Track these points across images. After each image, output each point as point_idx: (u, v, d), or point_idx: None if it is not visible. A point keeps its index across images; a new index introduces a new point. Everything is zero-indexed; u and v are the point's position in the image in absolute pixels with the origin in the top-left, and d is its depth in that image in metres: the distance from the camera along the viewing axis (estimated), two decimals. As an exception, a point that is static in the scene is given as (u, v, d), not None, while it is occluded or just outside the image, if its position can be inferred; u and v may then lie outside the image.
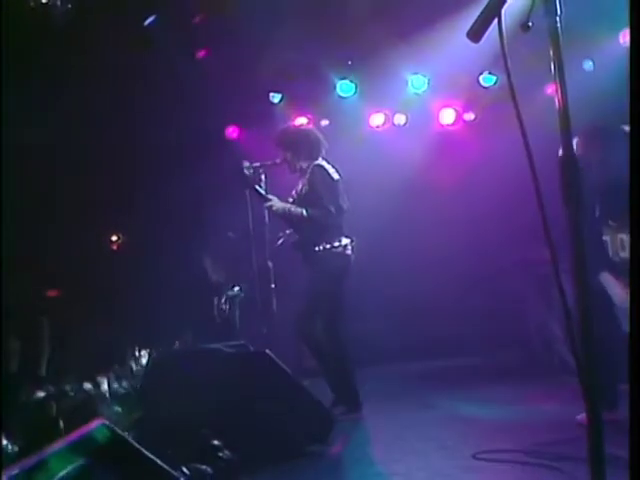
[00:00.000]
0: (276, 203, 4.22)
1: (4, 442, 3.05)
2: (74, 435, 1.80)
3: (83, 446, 1.78)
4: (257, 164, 4.31)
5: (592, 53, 5.90)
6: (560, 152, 1.56)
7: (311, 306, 4.14)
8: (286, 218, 4.25)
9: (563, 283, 1.54)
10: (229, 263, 6.02)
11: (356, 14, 5.32)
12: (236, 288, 6.03)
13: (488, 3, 1.67)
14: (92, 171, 6.11)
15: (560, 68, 1.59)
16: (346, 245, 4.16)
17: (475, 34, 1.73)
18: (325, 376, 4.24)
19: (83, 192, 6.03)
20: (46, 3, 4.64)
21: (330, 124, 6.68)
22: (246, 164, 4.26)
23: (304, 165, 4.25)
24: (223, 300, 6.02)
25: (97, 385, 4.25)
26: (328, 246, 4.11)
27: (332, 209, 4.09)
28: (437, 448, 3.24)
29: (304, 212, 4.11)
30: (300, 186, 4.27)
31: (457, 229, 6.39)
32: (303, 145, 4.25)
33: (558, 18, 1.57)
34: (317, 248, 4.12)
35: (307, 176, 4.20)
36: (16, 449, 3.07)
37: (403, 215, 6.31)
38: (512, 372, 5.27)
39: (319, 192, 4.10)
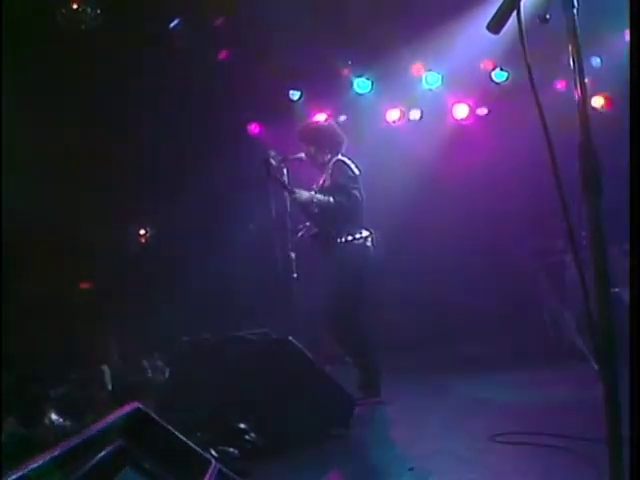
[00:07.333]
0: (302, 193, 4.21)
1: (54, 417, 3.17)
2: (112, 417, 1.89)
3: (120, 427, 1.87)
4: (280, 157, 4.37)
5: (600, 50, 5.88)
6: (579, 140, 1.59)
7: (337, 297, 4.20)
8: (309, 209, 4.25)
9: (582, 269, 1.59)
10: (251, 254, 6.09)
11: (371, 13, 5.39)
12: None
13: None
14: (121, 168, 6.25)
15: (579, 60, 1.62)
16: (366, 237, 4.23)
17: (495, 26, 1.77)
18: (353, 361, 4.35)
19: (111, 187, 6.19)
20: (77, 9, 4.76)
21: (347, 120, 6.76)
22: (272, 153, 4.30)
23: (326, 159, 4.34)
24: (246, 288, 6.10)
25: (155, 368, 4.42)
26: (350, 238, 4.18)
27: (357, 195, 4.19)
28: (455, 431, 3.32)
29: (331, 199, 4.14)
30: (321, 180, 4.34)
31: (470, 220, 6.41)
32: (325, 140, 4.34)
33: (576, 11, 1.61)
34: (338, 240, 4.18)
35: (329, 170, 4.29)
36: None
37: (417, 208, 6.35)
38: (525, 357, 5.30)
39: (342, 182, 4.18)
